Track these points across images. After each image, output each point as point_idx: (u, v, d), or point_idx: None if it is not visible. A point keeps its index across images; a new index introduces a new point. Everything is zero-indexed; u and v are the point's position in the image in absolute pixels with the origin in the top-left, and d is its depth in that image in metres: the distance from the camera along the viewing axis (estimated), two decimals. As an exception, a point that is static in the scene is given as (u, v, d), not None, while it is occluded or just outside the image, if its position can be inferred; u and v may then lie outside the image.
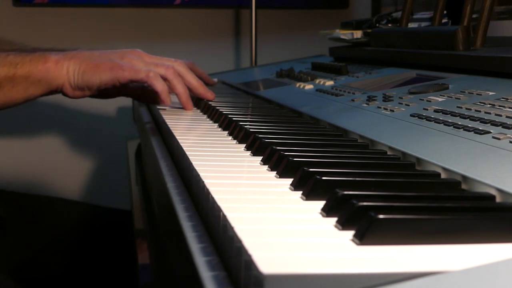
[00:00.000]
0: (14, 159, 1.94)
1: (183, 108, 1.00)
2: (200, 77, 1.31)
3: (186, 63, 1.21)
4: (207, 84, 1.33)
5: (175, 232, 0.50)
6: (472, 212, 0.41)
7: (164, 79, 0.96)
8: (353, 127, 0.72)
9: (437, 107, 0.69)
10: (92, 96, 1.02)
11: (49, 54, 0.94)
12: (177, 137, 0.70)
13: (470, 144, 0.54)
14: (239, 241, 0.36)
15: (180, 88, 0.98)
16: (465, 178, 0.49)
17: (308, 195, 0.47)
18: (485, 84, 0.75)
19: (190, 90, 1.02)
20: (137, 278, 0.89)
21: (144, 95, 1.07)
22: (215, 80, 1.36)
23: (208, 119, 0.92)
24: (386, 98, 0.80)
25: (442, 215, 0.39)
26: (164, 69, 0.96)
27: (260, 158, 0.62)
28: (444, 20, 1.07)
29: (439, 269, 0.33)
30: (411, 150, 0.58)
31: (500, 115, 0.60)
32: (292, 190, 0.50)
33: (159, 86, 0.94)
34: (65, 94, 0.96)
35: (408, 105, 0.73)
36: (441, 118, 0.64)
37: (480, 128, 0.57)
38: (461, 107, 0.67)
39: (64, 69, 0.93)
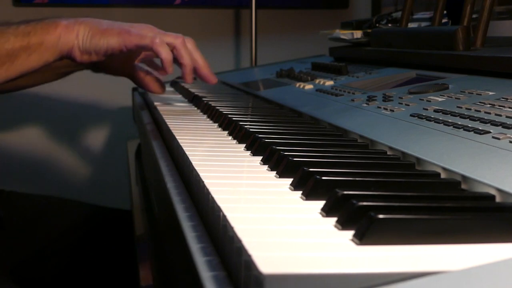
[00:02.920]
0: (14, 159, 1.94)
1: (183, 79, 0.99)
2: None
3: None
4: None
5: (175, 232, 0.50)
6: (472, 212, 0.41)
7: (172, 47, 0.96)
8: (353, 127, 0.72)
9: (437, 107, 0.69)
10: (97, 67, 1.03)
11: (59, 20, 0.95)
12: (177, 137, 0.70)
13: (470, 144, 0.54)
14: (239, 241, 0.36)
15: (186, 58, 0.97)
16: (465, 178, 0.49)
17: (308, 195, 0.47)
18: (485, 84, 0.75)
19: (195, 68, 1.01)
20: (137, 278, 0.89)
21: (145, 81, 1.07)
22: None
23: (208, 119, 0.92)
24: (386, 98, 0.80)
25: (442, 215, 0.39)
26: (173, 38, 0.96)
27: (260, 158, 0.62)
28: (444, 20, 1.07)
29: (439, 269, 0.33)
30: (411, 150, 0.58)
31: (500, 115, 0.60)
32: (292, 190, 0.50)
33: (164, 53, 0.94)
34: (73, 59, 0.96)
35: (408, 105, 0.73)
36: (441, 118, 0.64)
37: (480, 128, 0.57)
38: (461, 107, 0.67)
39: (74, 33, 0.94)
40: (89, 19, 0.97)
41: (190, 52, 0.99)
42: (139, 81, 1.11)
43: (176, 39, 0.96)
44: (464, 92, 0.73)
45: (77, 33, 0.94)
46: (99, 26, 0.95)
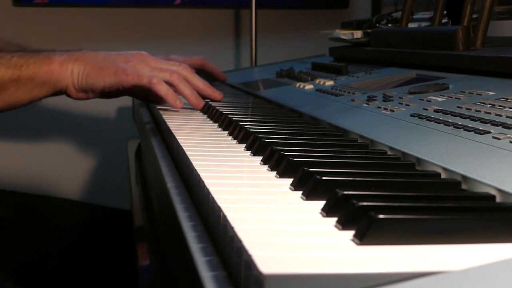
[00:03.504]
0: (15, 159, 1.94)
1: (195, 108, 0.99)
2: (212, 72, 1.32)
3: (197, 59, 1.21)
4: (219, 79, 1.34)
5: (175, 232, 0.50)
6: (472, 212, 0.41)
7: (169, 84, 0.96)
8: (353, 127, 0.72)
9: (437, 107, 0.69)
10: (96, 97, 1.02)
11: (53, 55, 0.93)
12: (177, 137, 0.70)
13: (470, 144, 0.54)
14: (239, 241, 0.36)
15: (186, 90, 0.97)
16: (465, 178, 0.49)
17: (308, 195, 0.47)
18: (485, 84, 0.75)
19: (198, 92, 1.01)
20: (137, 278, 0.89)
21: (147, 95, 1.07)
22: (226, 76, 1.36)
23: (208, 119, 0.92)
24: (386, 98, 0.80)
25: (442, 215, 0.39)
26: (169, 74, 0.96)
27: (260, 158, 0.62)
28: (444, 20, 1.07)
29: (439, 269, 0.33)
30: (411, 150, 0.58)
31: (500, 115, 0.60)
32: (292, 190, 0.50)
33: (163, 91, 0.93)
34: (69, 95, 0.96)
35: (408, 105, 0.73)
36: (441, 118, 0.64)
37: (480, 128, 0.57)
38: (461, 107, 0.67)
39: (69, 71, 0.93)
40: (84, 54, 0.95)
41: (189, 80, 0.99)
42: (141, 97, 1.10)
43: (171, 75, 0.96)
44: (464, 92, 0.73)
45: (72, 71, 0.93)
46: (94, 64, 0.93)
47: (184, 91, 0.97)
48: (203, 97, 1.02)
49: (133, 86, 0.94)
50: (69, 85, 0.93)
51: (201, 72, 1.31)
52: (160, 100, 1.01)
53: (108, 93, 0.98)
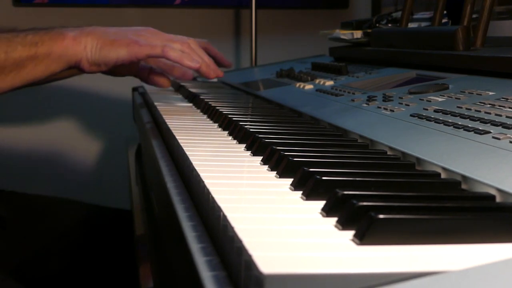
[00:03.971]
0: (15, 159, 1.94)
1: (206, 77, 1.02)
2: (215, 56, 1.34)
3: (202, 41, 1.25)
4: (223, 64, 1.35)
5: (175, 232, 0.50)
6: (472, 212, 0.41)
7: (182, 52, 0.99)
8: (353, 127, 0.72)
9: (437, 107, 0.69)
10: (104, 72, 1.04)
11: (66, 31, 0.95)
12: (177, 137, 0.70)
13: (470, 144, 0.54)
14: (239, 241, 0.36)
15: (199, 58, 1.00)
16: (465, 178, 0.49)
17: (308, 195, 0.47)
18: (485, 84, 0.75)
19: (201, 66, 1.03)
20: (137, 277, 0.89)
21: (150, 76, 1.10)
22: (230, 61, 1.37)
23: (208, 119, 0.92)
24: (386, 98, 0.80)
25: (442, 215, 0.39)
26: (180, 44, 0.99)
27: (260, 158, 0.62)
28: (444, 20, 1.07)
29: (439, 269, 0.33)
30: (411, 150, 0.58)
31: (500, 115, 0.60)
32: (292, 190, 0.50)
33: (177, 56, 0.97)
34: (81, 69, 0.97)
35: (408, 105, 0.73)
36: (441, 118, 0.64)
37: (480, 128, 0.57)
38: (461, 107, 0.67)
39: (82, 45, 0.95)
40: (95, 28, 0.97)
41: (197, 53, 1.02)
42: (145, 78, 1.13)
43: (183, 44, 0.99)
44: (464, 92, 0.73)
45: (85, 45, 0.95)
46: (107, 37, 0.95)
47: (197, 59, 1.00)
48: (205, 72, 1.04)
49: (146, 57, 0.97)
50: (83, 58, 0.95)
51: None
52: (160, 81, 1.07)
53: (119, 67, 1.00)
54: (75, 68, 0.98)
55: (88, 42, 0.95)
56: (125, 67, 1.04)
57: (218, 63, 1.36)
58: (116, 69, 1.04)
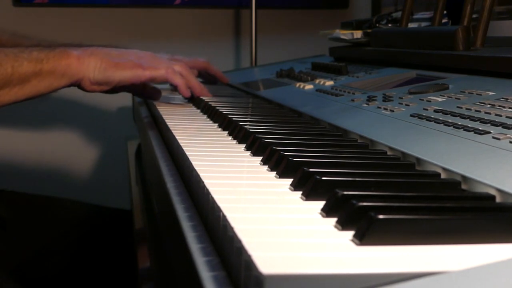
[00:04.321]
0: (15, 159, 1.94)
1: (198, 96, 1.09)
2: (215, 74, 1.40)
3: (202, 62, 1.39)
4: (222, 82, 1.39)
5: (175, 232, 0.50)
6: (472, 212, 0.41)
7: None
8: (353, 127, 0.72)
9: (437, 107, 0.69)
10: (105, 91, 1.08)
11: (70, 50, 0.99)
12: (177, 137, 0.70)
13: (470, 144, 0.54)
14: (239, 241, 0.36)
15: (194, 82, 1.08)
16: (465, 178, 0.49)
17: (308, 195, 0.47)
18: (485, 84, 0.75)
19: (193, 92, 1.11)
20: (137, 278, 0.89)
21: (144, 91, 1.12)
22: (228, 79, 1.42)
23: (208, 119, 0.92)
24: (386, 98, 0.80)
25: (442, 215, 0.39)
26: (179, 66, 1.05)
27: (260, 158, 0.62)
28: (444, 20, 1.07)
29: (439, 269, 0.33)
30: (411, 150, 0.58)
31: (500, 115, 0.60)
32: (292, 190, 0.50)
33: (179, 81, 1.03)
34: (82, 88, 1.00)
35: (408, 105, 0.73)
36: (441, 118, 0.64)
37: (480, 128, 0.57)
38: (461, 107, 0.67)
39: (85, 64, 0.98)
40: (97, 49, 1.01)
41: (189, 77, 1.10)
42: (138, 93, 1.16)
43: (181, 67, 1.06)
44: (464, 92, 0.73)
45: (88, 65, 0.98)
46: (110, 59, 0.99)
47: (191, 81, 1.08)
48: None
49: (150, 79, 1.02)
50: (85, 77, 0.98)
51: (205, 74, 1.36)
52: (154, 95, 1.11)
53: (119, 87, 1.04)
54: (76, 86, 1.00)
55: (91, 62, 0.98)
56: (124, 88, 1.07)
57: (218, 80, 1.41)
58: (115, 89, 1.06)
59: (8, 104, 0.97)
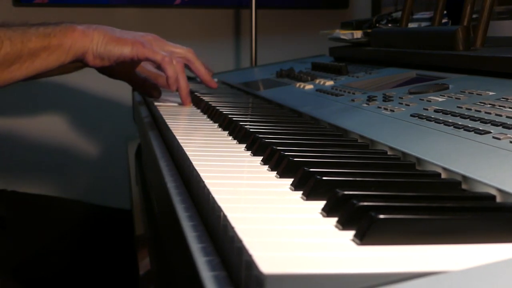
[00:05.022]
0: (15, 158, 1.94)
1: (182, 103, 1.07)
2: (199, 77, 1.35)
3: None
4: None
5: (175, 232, 0.50)
6: (472, 212, 0.41)
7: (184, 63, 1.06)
8: (353, 127, 0.72)
9: (437, 107, 0.69)
10: (103, 71, 1.10)
11: (75, 25, 1.01)
12: (177, 137, 0.70)
13: (470, 144, 0.54)
14: (240, 241, 0.36)
15: (183, 83, 1.04)
16: (465, 178, 0.49)
17: (309, 195, 0.47)
18: (485, 84, 0.75)
19: (198, 76, 1.12)
20: (137, 277, 0.89)
21: (143, 86, 1.14)
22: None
23: (208, 119, 0.92)
24: (386, 98, 0.80)
25: (442, 215, 0.39)
26: (176, 62, 1.04)
27: (260, 158, 0.62)
28: (444, 20, 1.07)
29: (439, 269, 0.33)
30: (411, 150, 0.58)
31: (500, 115, 0.60)
32: (292, 190, 0.50)
33: (171, 72, 1.02)
34: (85, 62, 1.01)
35: (408, 105, 0.73)
36: (441, 118, 0.64)
37: (480, 128, 0.57)
38: (461, 107, 0.67)
39: (89, 38, 0.99)
40: (102, 26, 1.02)
41: (193, 62, 1.10)
42: (138, 86, 1.17)
43: (177, 64, 1.04)
44: (464, 92, 0.73)
45: (92, 39, 1.00)
46: (113, 34, 1.01)
47: (180, 82, 1.04)
48: (203, 80, 1.14)
49: (146, 59, 1.02)
50: (89, 51, 0.99)
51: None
52: (151, 92, 1.11)
53: (119, 64, 1.04)
54: (80, 61, 1.02)
55: (95, 36, 0.99)
56: (124, 67, 1.09)
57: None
58: (115, 68, 1.08)
59: (20, 80, 0.99)
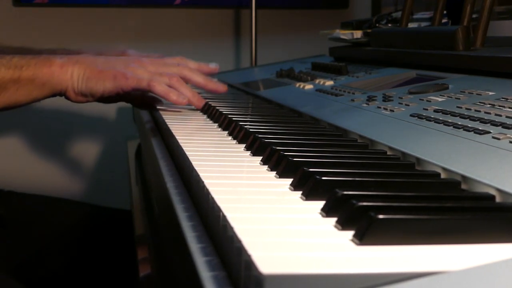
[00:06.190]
0: (15, 158, 1.94)
1: (196, 108, 1.00)
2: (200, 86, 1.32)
3: (176, 59, 1.20)
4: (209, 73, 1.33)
5: (175, 232, 0.50)
6: (472, 212, 0.41)
7: (169, 87, 0.96)
8: (353, 127, 0.72)
9: (437, 107, 0.69)
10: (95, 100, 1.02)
11: (54, 58, 0.94)
12: (177, 137, 0.70)
13: (470, 144, 0.54)
14: (239, 241, 0.36)
15: (187, 93, 0.97)
16: (465, 178, 0.49)
17: (308, 195, 0.47)
18: (485, 84, 0.75)
19: (202, 88, 1.03)
20: (137, 277, 0.89)
21: (143, 102, 1.07)
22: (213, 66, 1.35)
23: (208, 119, 0.92)
24: (386, 98, 0.80)
25: (442, 215, 0.39)
26: (168, 78, 0.96)
27: (260, 158, 0.62)
28: (444, 20, 1.07)
29: (439, 269, 0.33)
30: (411, 150, 0.58)
31: (500, 115, 0.60)
32: (292, 190, 0.50)
33: (163, 91, 0.94)
34: (68, 98, 0.96)
35: (408, 105, 0.73)
36: (441, 118, 0.64)
37: (480, 128, 0.57)
38: (461, 107, 0.67)
39: (69, 73, 0.93)
40: (84, 57, 0.96)
41: (190, 78, 1.00)
42: (137, 104, 1.11)
43: (171, 79, 0.96)
44: (464, 92, 0.73)
45: (72, 74, 0.93)
46: (95, 68, 0.94)
47: (185, 94, 0.97)
48: (208, 91, 1.04)
49: (132, 90, 0.95)
50: (69, 87, 0.93)
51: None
52: (153, 106, 1.02)
53: (107, 98, 0.99)
54: (62, 96, 0.96)
55: (75, 71, 0.93)
56: (116, 97, 1.01)
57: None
58: (106, 99, 1.01)
59: None
